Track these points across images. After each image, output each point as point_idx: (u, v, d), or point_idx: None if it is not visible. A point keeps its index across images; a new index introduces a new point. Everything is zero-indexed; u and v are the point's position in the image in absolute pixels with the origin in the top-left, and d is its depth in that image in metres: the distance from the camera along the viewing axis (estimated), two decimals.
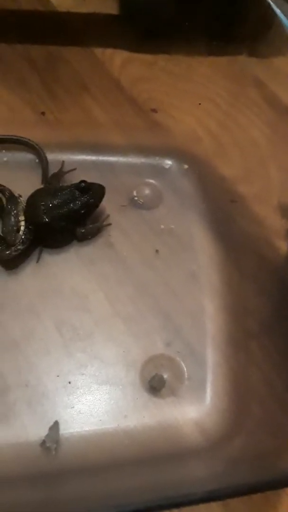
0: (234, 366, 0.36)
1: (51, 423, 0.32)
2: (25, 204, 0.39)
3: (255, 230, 0.41)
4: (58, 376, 0.34)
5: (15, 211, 0.38)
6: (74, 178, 0.42)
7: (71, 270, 0.39)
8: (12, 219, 0.38)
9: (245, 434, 0.33)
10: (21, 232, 0.38)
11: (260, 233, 0.41)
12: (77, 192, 0.39)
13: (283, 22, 0.33)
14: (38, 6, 0.51)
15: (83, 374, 0.35)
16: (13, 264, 0.38)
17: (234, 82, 0.43)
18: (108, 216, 0.41)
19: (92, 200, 0.39)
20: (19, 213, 0.38)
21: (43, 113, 0.44)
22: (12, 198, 0.39)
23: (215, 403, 0.35)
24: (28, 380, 0.34)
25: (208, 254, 0.41)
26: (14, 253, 0.37)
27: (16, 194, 0.40)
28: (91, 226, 0.40)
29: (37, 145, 0.43)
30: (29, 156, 0.44)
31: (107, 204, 0.41)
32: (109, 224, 0.41)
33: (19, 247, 0.37)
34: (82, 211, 0.39)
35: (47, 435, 0.32)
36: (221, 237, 0.42)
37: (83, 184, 0.39)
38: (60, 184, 0.41)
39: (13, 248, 0.37)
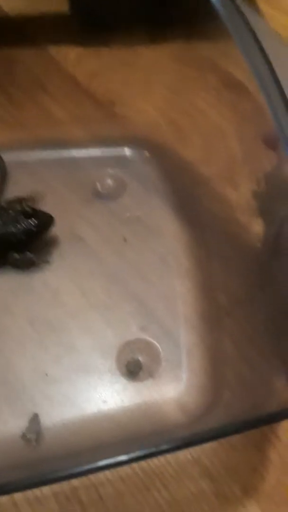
0: (209, 343, 0.37)
1: (31, 416, 0.33)
2: None
3: (221, 209, 0.42)
4: (34, 370, 0.35)
5: None
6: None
7: (41, 266, 0.39)
8: None
9: (223, 405, 0.34)
10: None
11: (225, 212, 0.42)
12: (20, 216, 0.38)
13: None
14: None
15: (60, 365, 0.35)
16: None
17: (187, 65, 0.43)
18: (49, 252, 0.39)
19: (35, 228, 0.38)
20: None
21: (1, 117, 0.45)
22: None
23: (193, 380, 0.36)
24: (5, 377, 0.34)
25: (175, 237, 0.42)
26: None
27: None
28: (27, 255, 0.38)
29: None
30: None
31: (72, 198, 0.42)
32: (47, 262, 0.39)
33: None
34: (21, 237, 0.38)
35: (27, 428, 0.32)
36: (187, 219, 0.42)
37: (28, 209, 0.38)
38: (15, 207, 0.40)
39: None
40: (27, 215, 0.38)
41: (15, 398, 0.34)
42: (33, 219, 0.38)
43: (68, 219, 0.41)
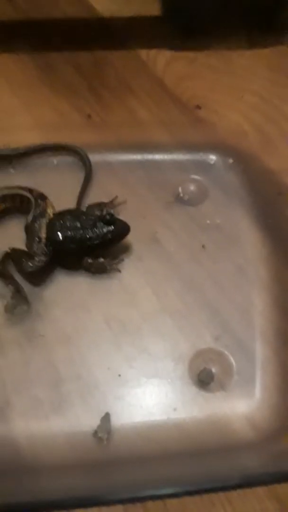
0: (284, 360, 0.36)
1: (103, 414, 0.33)
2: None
3: None
4: (108, 368, 0.35)
5: (39, 224, 0.39)
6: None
7: (120, 267, 0.40)
8: (36, 230, 0.39)
9: None
10: (42, 244, 0.38)
11: None
12: (99, 222, 0.38)
13: None
14: (83, 13, 0.53)
15: (132, 367, 0.35)
16: (39, 279, 0.38)
17: (278, 72, 0.42)
18: (122, 260, 0.40)
19: (110, 235, 0.38)
20: (42, 226, 0.39)
21: (89, 116, 0.46)
22: (41, 212, 0.40)
23: (265, 397, 0.35)
24: (80, 372, 0.35)
25: (255, 248, 0.41)
26: (37, 265, 0.38)
27: (49, 210, 0.40)
28: (101, 261, 0.39)
29: (81, 150, 0.44)
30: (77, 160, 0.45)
31: (153, 201, 0.42)
32: (118, 270, 0.39)
33: (41, 258, 0.38)
34: (96, 242, 0.38)
35: (99, 426, 0.33)
36: (268, 230, 0.41)
37: (108, 216, 0.38)
38: (95, 212, 0.41)
39: (36, 258, 0.38)
40: (106, 222, 0.38)
41: (88, 394, 0.34)
42: (110, 226, 0.38)
43: (148, 222, 0.42)
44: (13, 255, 0.38)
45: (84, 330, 0.37)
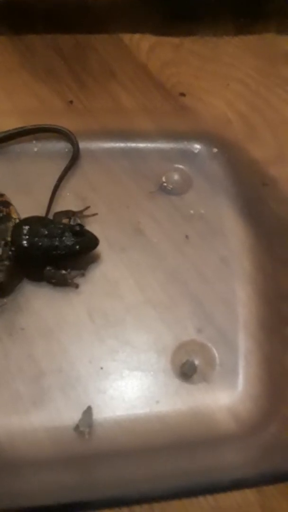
0: (267, 352, 0.36)
1: (84, 408, 0.33)
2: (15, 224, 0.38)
3: None
4: (90, 361, 0.35)
5: (5, 227, 0.37)
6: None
7: (102, 258, 0.39)
8: (2, 233, 0.37)
9: (280, 421, 0.33)
10: (7, 248, 0.37)
11: None
12: (68, 232, 0.37)
13: None
14: None
15: (114, 360, 0.35)
16: (6, 289, 0.37)
17: (264, 60, 0.41)
18: (83, 274, 0.38)
19: (78, 246, 0.37)
20: (8, 229, 0.37)
21: (71, 102, 0.45)
22: (6, 216, 0.38)
23: (248, 389, 0.35)
24: (61, 365, 0.34)
25: (239, 238, 0.40)
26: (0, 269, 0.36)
27: (15, 214, 0.39)
28: (62, 272, 0.37)
29: (69, 131, 0.43)
30: (59, 146, 0.44)
31: (136, 190, 0.41)
32: (76, 286, 0.37)
33: (5, 262, 0.36)
34: (62, 252, 0.37)
35: (81, 420, 0.32)
36: (252, 221, 0.41)
37: (77, 227, 0.37)
38: (63, 220, 0.39)
39: None
40: (75, 233, 0.37)
41: (70, 388, 0.34)
42: (79, 238, 0.37)
43: (131, 211, 0.41)
44: None
45: (66, 322, 0.36)
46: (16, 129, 0.43)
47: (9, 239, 0.37)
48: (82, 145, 0.43)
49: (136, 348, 0.36)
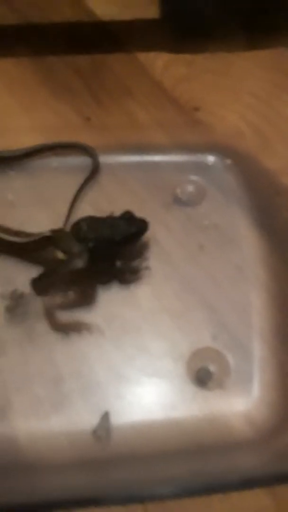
0: (282, 359, 0.36)
1: (102, 413, 0.34)
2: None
3: None
4: (108, 368, 0.36)
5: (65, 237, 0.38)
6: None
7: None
8: (67, 239, 0.38)
9: None
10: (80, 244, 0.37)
11: None
12: (119, 221, 0.39)
13: None
14: (83, 17, 0.53)
15: (132, 366, 0.36)
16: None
17: (275, 73, 0.43)
18: (147, 260, 0.40)
19: (134, 229, 0.39)
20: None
21: (88, 119, 0.46)
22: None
23: (263, 396, 0.35)
24: (80, 371, 0.35)
25: (253, 248, 0.41)
26: (84, 260, 0.36)
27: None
28: (133, 264, 0.39)
29: (88, 146, 0.45)
30: (77, 160, 0.46)
31: (151, 202, 0.43)
32: (148, 268, 0.39)
33: (84, 255, 0.36)
34: (123, 239, 0.38)
35: (99, 424, 0.33)
36: (266, 230, 0.42)
37: (127, 214, 0.39)
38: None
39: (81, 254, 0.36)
40: (127, 220, 0.39)
41: (88, 393, 0.35)
42: (132, 224, 0.39)
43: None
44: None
45: (85, 329, 0.37)
46: (36, 146, 0.45)
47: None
48: (99, 159, 0.45)
49: (153, 355, 0.37)
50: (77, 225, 0.39)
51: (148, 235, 0.41)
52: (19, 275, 0.39)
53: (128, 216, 0.39)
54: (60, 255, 0.38)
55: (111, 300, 0.39)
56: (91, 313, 0.38)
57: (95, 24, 0.53)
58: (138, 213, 0.42)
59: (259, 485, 0.26)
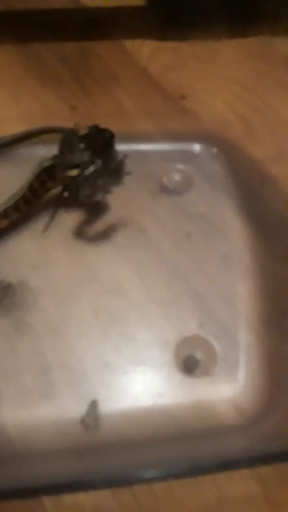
0: (268, 346, 0.37)
1: (90, 402, 0.34)
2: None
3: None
4: (95, 357, 0.36)
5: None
6: None
7: (107, 257, 0.40)
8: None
9: (281, 412, 0.33)
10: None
11: None
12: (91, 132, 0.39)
13: None
14: (69, 4, 0.53)
15: (119, 355, 0.36)
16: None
17: (261, 61, 0.42)
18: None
19: (108, 133, 0.39)
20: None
21: (74, 107, 0.46)
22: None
23: (250, 382, 0.35)
24: (68, 360, 0.36)
25: (240, 236, 0.41)
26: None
27: None
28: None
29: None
30: None
31: (138, 191, 0.42)
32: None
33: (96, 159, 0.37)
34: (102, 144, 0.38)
35: (87, 413, 0.33)
36: (253, 219, 0.42)
37: (92, 127, 0.39)
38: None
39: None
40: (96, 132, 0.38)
41: (76, 382, 0.35)
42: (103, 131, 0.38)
43: (133, 211, 0.42)
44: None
45: (72, 319, 0.37)
46: (22, 132, 0.44)
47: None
48: None
49: (140, 343, 0.37)
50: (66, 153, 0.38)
51: (135, 223, 0.41)
52: (6, 265, 0.39)
53: (94, 129, 0.38)
54: (71, 172, 0.38)
55: (98, 290, 0.39)
56: (79, 303, 0.38)
57: (81, 11, 0.52)
58: (125, 202, 0.42)
59: (244, 466, 0.27)
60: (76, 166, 0.38)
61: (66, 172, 0.38)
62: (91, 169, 0.37)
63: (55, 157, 0.39)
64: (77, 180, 0.38)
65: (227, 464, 0.27)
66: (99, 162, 0.37)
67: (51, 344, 0.36)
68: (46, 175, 0.39)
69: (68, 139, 0.38)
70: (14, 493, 0.25)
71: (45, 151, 0.45)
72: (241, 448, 0.32)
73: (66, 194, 0.40)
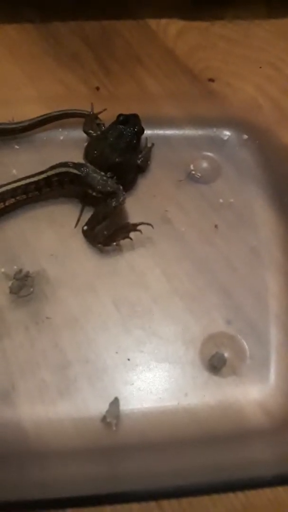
0: None
1: (111, 399, 0.32)
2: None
3: None
4: (117, 352, 0.34)
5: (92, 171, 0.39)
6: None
7: (128, 247, 0.38)
8: (97, 176, 0.38)
9: None
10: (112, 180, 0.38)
11: None
12: (121, 127, 0.39)
13: None
14: None
15: (142, 351, 0.34)
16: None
17: None
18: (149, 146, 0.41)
19: (137, 128, 0.40)
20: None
21: (97, 88, 0.44)
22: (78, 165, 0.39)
23: (280, 383, 0.34)
24: (88, 356, 0.34)
25: (270, 228, 0.39)
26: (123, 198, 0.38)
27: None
28: (145, 152, 0.41)
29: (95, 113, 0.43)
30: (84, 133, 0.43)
31: (163, 179, 0.40)
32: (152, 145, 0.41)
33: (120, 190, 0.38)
34: (134, 141, 0.39)
35: (108, 411, 0.32)
36: (284, 209, 0.39)
37: (121, 117, 0.40)
38: (102, 128, 0.42)
39: (122, 193, 0.37)
40: (125, 123, 0.40)
41: (96, 378, 0.33)
42: (131, 122, 0.40)
43: (159, 200, 0.40)
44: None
45: (92, 312, 0.35)
46: (42, 116, 0.42)
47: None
48: None
49: (164, 339, 0.35)
50: (96, 154, 0.39)
51: (159, 213, 0.39)
52: (24, 254, 0.37)
53: (122, 119, 0.40)
54: (92, 192, 0.38)
55: (119, 282, 0.37)
56: (98, 295, 0.36)
57: None
58: (149, 190, 0.40)
59: (277, 484, 0.25)
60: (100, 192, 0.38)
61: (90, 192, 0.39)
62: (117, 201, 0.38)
63: (78, 166, 0.39)
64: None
65: (257, 483, 0.24)
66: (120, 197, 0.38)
67: (70, 338, 0.34)
68: (57, 177, 0.39)
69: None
70: (33, 504, 0.23)
71: (64, 136, 0.43)
72: (269, 456, 0.30)
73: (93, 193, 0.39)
